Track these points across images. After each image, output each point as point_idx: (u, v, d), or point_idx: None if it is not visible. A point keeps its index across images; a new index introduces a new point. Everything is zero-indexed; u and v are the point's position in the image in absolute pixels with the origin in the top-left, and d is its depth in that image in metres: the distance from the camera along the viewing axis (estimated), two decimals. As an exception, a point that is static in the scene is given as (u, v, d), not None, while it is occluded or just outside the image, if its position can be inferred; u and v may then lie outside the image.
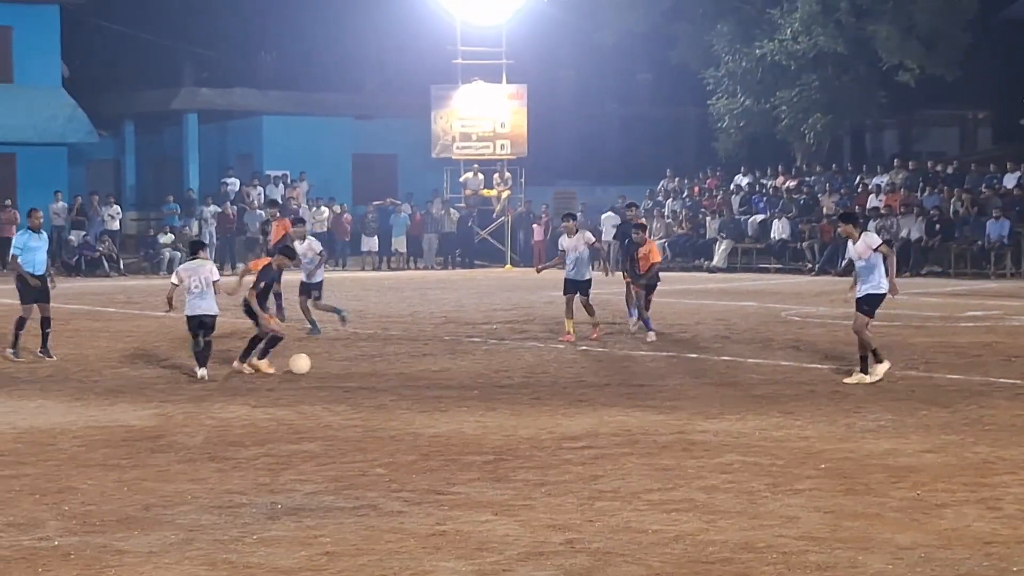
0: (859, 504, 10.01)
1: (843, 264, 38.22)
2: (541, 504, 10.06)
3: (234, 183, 45.63)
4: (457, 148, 46.31)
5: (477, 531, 9.26)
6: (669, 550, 8.77)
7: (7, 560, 8.61)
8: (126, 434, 13.20)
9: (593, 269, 22.01)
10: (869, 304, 16.37)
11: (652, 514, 9.75)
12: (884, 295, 16.41)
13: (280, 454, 12.13)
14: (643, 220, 25.83)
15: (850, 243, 16.93)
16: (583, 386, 16.38)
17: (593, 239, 21.78)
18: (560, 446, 12.45)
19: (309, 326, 22.14)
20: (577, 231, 21.44)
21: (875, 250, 16.69)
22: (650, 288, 22.04)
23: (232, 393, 15.94)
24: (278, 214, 25.42)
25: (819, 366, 17.96)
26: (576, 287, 21.12)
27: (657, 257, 22.50)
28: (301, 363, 17.17)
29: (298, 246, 21.47)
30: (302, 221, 24.56)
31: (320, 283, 22.57)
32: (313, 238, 23.67)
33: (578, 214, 44.67)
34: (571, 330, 21.01)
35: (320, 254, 22.61)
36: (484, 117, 46.15)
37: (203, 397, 15.60)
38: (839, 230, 16.84)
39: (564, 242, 21.58)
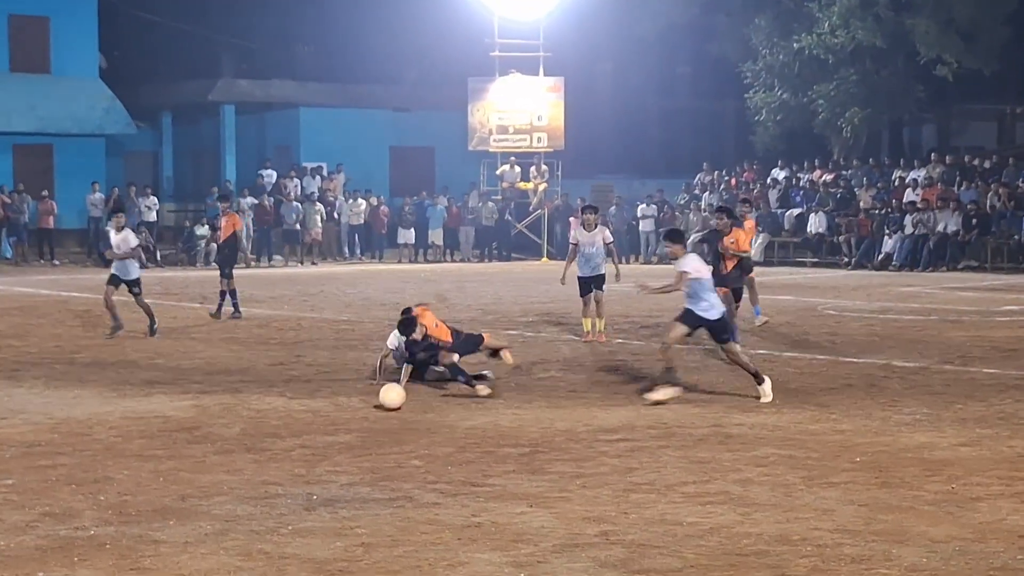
0: (894, 497, 10.00)
1: (879, 258, 38.17)
2: (577, 496, 10.09)
3: (271, 175, 45.76)
4: (494, 141, 46.33)
5: (512, 523, 9.29)
6: (704, 542, 8.78)
7: (43, 549, 8.68)
8: (162, 424, 13.29)
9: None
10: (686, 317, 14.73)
11: (687, 506, 9.76)
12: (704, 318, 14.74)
13: (316, 445, 12.18)
14: (728, 207, 22.60)
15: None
16: (619, 379, 16.38)
17: (611, 238, 21.04)
18: (596, 438, 12.47)
19: (112, 323, 21.02)
20: (597, 225, 20.70)
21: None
22: (736, 293, 19.25)
23: (268, 385, 16.01)
24: (228, 208, 25.14)
25: (855, 360, 17.90)
26: (592, 284, 20.39)
27: (743, 247, 19.47)
28: (392, 396, 14.35)
29: (113, 236, 21.18)
30: (122, 211, 23.16)
31: (138, 279, 21.14)
32: (131, 231, 21.98)
33: (613, 207, 45.07)
34: (589, 329, 20.32)
35: (136, 248, 21.31)
36: (521, 110, 46.16)
37: (239, 388, 15.67)
38: (667, 251, 15.26)
39: (580, 235, 20.62)
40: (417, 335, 15.03)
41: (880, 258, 38.43)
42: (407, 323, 15.11)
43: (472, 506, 9.77)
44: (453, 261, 44.30)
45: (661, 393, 14.39)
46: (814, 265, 39.66)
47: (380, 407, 13.94)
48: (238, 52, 52.44)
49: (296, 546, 8.72)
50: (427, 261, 44.09)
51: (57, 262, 40.25)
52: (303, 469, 11.13)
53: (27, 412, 14.02)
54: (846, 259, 39.36)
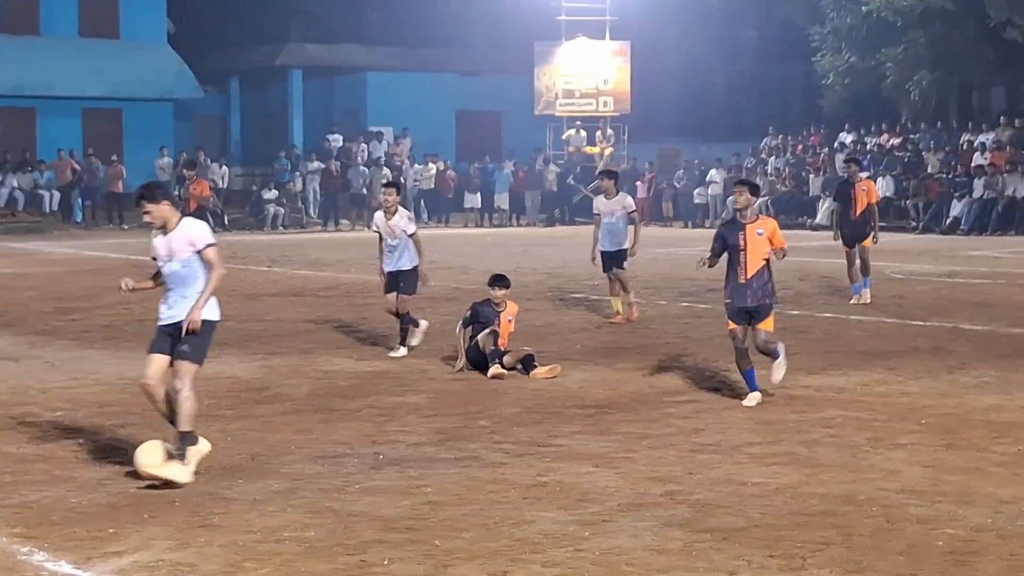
0: (960, 459, 9.99)
1: (947, 222, 37.86)
2: (642, 456, 10.13)
3: (337, 139, 45.94)
4: (560, 105, 46.29)
5: (578, 482, 9.35)
6: (769, 502, 8.80)
7: (115, 506, 8.83)
8: (232, 385, 13.44)
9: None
10: None
11: (753, 467, 9.79)
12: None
13: (384, 406, 12.29)
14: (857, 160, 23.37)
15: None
16: (686, 341, 16.40)
17: (634, 207, 18.75)
18: (662, 400, 12.51)
19: None
20: (618, 193, 18.59)
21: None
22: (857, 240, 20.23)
23: (336, 346, 16.14)
24: (195, 175, 24.97)
25: (923, 323, 17.83)
26: (612, 261, 18.38)
27: (874, 197, 20.68)
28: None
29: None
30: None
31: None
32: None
33: (681, 171, 44.96)
34: (619, 309, 18.43)
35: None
36: (587, 74, 46.10)
37: (308, 350, 15.82)
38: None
39: (600, 204, 18.63)
40: (499, 300, 14.67)
41: (948, 222, 38.11)
42: (500, 277, 14.82)
43: (538, 466, 9.83)
44: (519, 225, 44.32)
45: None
46: (882, 229, 39.27)
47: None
48: (306, 16, 52.58)
49: (364, 504, 8.82)
50: (493, 226, 44.15)
51: (126, 226, 40.61)
52: (371, 429, 11.25)
53: (99, 373, 14.22)
54: (914, 223, 39.05)
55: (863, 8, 43.66)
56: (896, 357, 14.99)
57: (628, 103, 45.99)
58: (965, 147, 40.89)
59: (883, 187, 40.48)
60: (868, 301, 19.92)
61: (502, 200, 44.74)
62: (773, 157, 45.52)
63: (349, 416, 11.83)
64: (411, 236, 15.59)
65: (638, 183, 45.37)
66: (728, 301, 12.45)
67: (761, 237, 12.30)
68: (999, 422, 11.32)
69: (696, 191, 44.51)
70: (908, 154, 41.86)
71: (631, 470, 9.69)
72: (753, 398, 12.16)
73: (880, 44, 44.18)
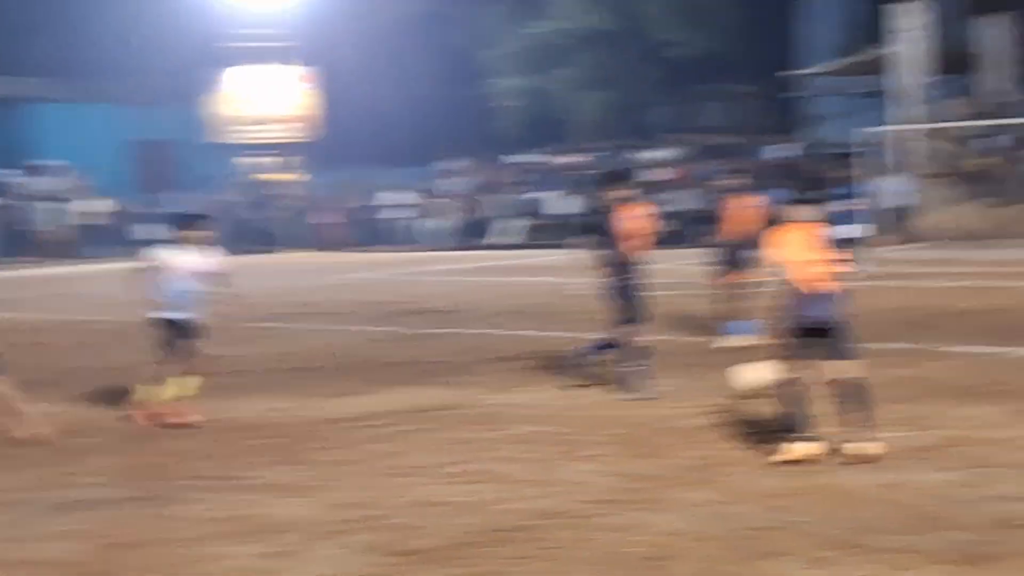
0: (651, 466, 10.17)
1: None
2: (340, 483, 9.99)
3: (10, 173, 44.32)
4: (243, 132, 45.77)
5: (275, 513, 9.15)
6: (468, 520, 8.78)
7: None
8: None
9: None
10: None
11: (451, 486, 9.76)
12: None
13: (68, 449, 11.81)
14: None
15: None
16: (375, 366, 16.30)
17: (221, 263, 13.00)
18: (356, 425, 12.38)
19: None
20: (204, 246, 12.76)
21: None
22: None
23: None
24: None
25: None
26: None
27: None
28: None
29: None
30: None
31: None
32: None
33: (365, 196, 44.96)
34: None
35: None
36: (272, 100, 45.71)
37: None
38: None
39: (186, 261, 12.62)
40: None
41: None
42: None
43: (231, 499, 9.58)
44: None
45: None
46: (554, 247, 40.01)
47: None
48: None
49: (46, 551, 8.43)
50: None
51: None
52: (50, 473, 10.77)
53: None
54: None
55: (532, 32, 44.52)
56: (584, 369, 15.18)
57: (317, 129, 45.78)
58: (636, 165, 42.03)
59: (559, 205, 41.30)
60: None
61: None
62: (453, 179, 45.98)
63: (26, 460, 11.32)
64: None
65: (326, 210, 45.34)
66: None
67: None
68: (686, 428, 11.57)
69: (383, 215, 44.66)
70: (583, 172, 42.81)
71: (326, 497, 9.54)
72: None
73: (550, 66, 45.15)
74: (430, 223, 43.37)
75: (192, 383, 12.57)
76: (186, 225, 12.64)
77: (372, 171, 49.32)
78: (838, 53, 42.64)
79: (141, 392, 12.83)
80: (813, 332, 9.94)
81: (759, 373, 10.82)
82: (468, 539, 8.33)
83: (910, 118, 35.04)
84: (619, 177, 14.27)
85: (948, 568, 7.38)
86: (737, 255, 17.33)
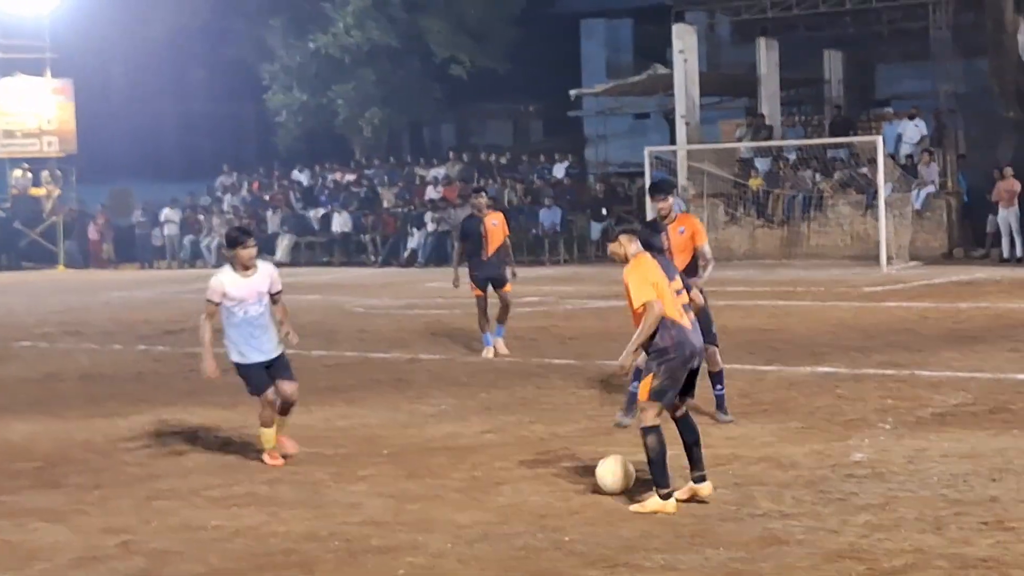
0: (421, 487, 10.07)
1: (405, 256, 38.74)
2: (95, 508, 9.67)
3: None
4: (4, 145, 44.43)
5: (27, 539, 8.82)
6: (230, 545, 8.58)
7: None
8: None
9: None
10: None
11: (213, 510, 9.53)
12: None
13: None
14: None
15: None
16: (142, 386, 15.92)
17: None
18: (116, 447, 12.04)
19: None
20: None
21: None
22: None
23: None
24: None
25: (383, 355, 18.03)
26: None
27: (505, 232, 18.02)
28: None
29: None
30: None
31: None
32: None
33: (139, 211, 44.06)
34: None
35: None
36: (27, 112, 44.41)
37: None
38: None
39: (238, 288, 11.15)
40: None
41: (406, 255, 39.00)
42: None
43: (-18, 526, 9.21)
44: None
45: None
46: (342, 264, 39.87)
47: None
48: None
49: None
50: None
51: None
52: None
53: None
54: (373, 257, 39.77)
55: (311, 46, 44.18)
56: (358, 390, 15.07)
57: (74, 143, 44.65)
58: (418, 182, 42.06)
59: (340, 223, 41.06)
60: (504, 352, 17.46)
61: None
62: (229, 195, 45.35)
63: None
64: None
65: (91, 225, 44.29)
66: None
67: (683, 235, 12.38)
68: (457, 448, 11.51)
69: (153, 232, 43.86)
70: (364, 189, 42.64)
71: (83, 523, 9.22)
72: None
73: (330, 82, 44.86)
74: (203, 239, 42.70)
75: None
76: None
77: (144, 186, 48.31)
78: (619, 73, 43.24)
79: None
80: (692, 368, 9.29)
81: (619, 470, 9.56)
82: (230, 564, 8.13)
83: (689, 138, 35.65)
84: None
85: (710, 586, 7.43)
86: (487, 271, 17.70)
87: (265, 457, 11.14)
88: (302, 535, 8.77)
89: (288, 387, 11.22)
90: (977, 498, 9.05)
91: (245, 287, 11.02)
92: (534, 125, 55.79)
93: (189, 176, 48.98)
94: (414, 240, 39.02)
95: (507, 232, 18.06)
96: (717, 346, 12.39)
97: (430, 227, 38.64)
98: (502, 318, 17.76)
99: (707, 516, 8.88)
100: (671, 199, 12.59)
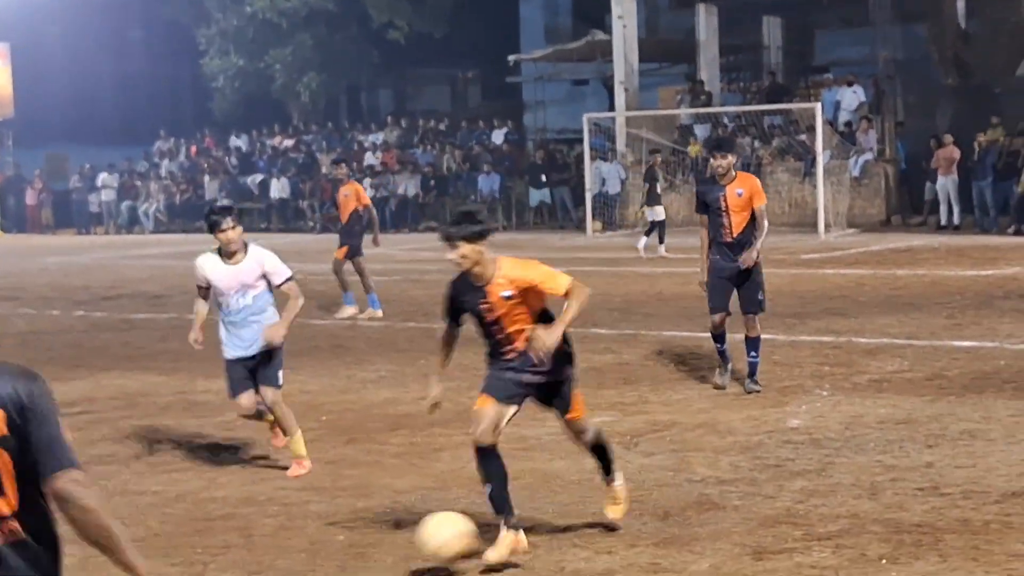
0: (360, 453, 10.10)
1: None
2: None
3: None
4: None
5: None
6: (170, 510, 8.60)
7: None
8: None
9: None
10: None
11: (152, 476, 9.54)
12: None
13: None
14: None
15: None
16: (80, 351, 15.84)
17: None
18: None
19: None
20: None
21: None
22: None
23: None
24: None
25: (321, 321, 18.01)
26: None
27: (363, 200, 18.77)
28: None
29: None
30: None
31: None
32: None
33: (76, 176, 43.69)
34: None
35: None
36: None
37: None
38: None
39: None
40: None
41: (343, 220, 38.87)
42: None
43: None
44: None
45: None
46: (280, 231, 39.71)
47: None
48: None
49: None
50: None
51: None
52: None
53: None
54: (312, 223, 39.64)
55: (248, 9, 43.87)
56: (296, 357, 14.98)
57: (11, 107, 44.20)
58: (356, 147, 41.92)
59: (279, 188, 40.90)
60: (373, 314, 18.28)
61: None
62: (167, 160, 45.05)
63: None
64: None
65: (28, 189, 43.90)
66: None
67: (741, 197, 11.85)
68: (395, 415, 11.54)
69: (90, 197, 43.54)
70: (302, 155, 42.45)
71: (21, 489, 9.18)
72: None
73: (267, 46, 44.57)
74: (141, 204, 42.44)
75: None
76: None
77: (81, 150, 47.89)
78: (558, 39, 43.20)
79: None
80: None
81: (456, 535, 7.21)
82: (169, 529, 8.14)
83: (628, 105, 35.68)
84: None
85: (645, 550, 7.48)
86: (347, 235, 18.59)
87: (292, 466, 9.57)
88: (240, 499, 8.79)
89: (266, 393, 9.63)
90: (912, 464, 9.16)
91: (227, 276, 9.57)
92: (472, 90, 55.70)
93: (126, 140, 48.57)
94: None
95: (364, 202, 18.73)
96: (759, 313, 12.19)
97: (369, 192, 38.50)
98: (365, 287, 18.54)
99: (644, 482, 8.94)
100: (731, 157, 12.13)
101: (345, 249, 18.58)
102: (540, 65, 42.54)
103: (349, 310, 18.61)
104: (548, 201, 37.53)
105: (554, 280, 7.49)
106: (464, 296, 7.69)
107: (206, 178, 42.70)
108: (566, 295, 7.42)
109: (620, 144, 35.46)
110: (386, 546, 7.68)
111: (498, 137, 40.52)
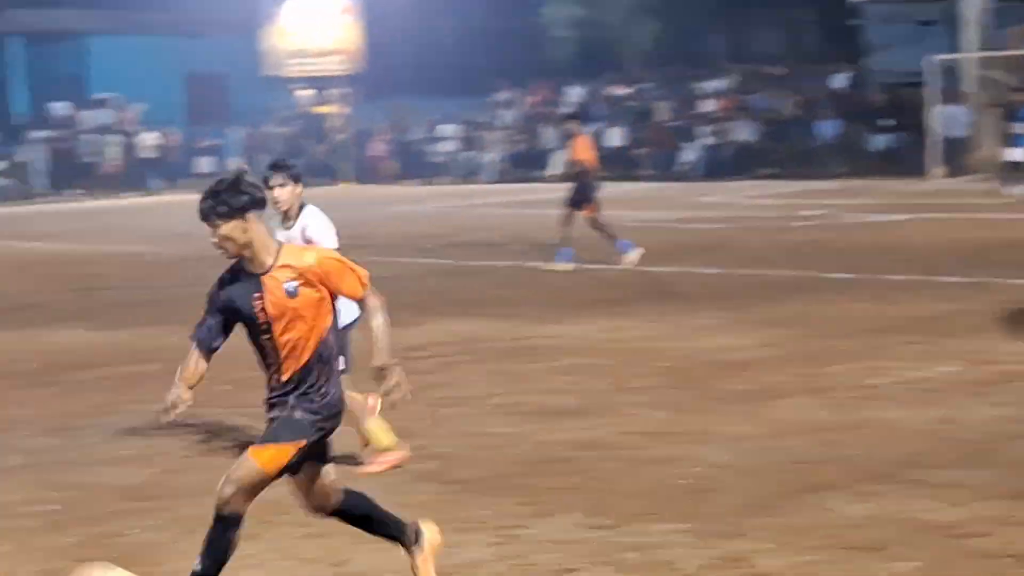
0: (696, 399, 10.17)
1: (678, 169, 38.58)
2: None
3: (64, 107, 44.51)
4: (289, 65, 45.69)
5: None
6: (513, 451, 8.83)
7: None
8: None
9: None
10: None
11: (496, 417, 9.81)
12: None
13: (119, 376, 11.94)
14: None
15: None
16: (423, 298, 16.34)
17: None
18: (405, 356, 12.37)
19: None
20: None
21: None
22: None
23: (65, 318, 15.64)
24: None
25: (653, 268, 18.11)
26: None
27: (581, 153, 19.31)
28: None
29: None
30: None
31: None
32: None
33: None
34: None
35: None
36: (317, 32, 45.56)
37: (36, 322, 15.30)
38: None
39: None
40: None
41: (679, 169, 38.89)
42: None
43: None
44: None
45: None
46: (617, 179, 39.91)
47: None
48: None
49: (103, 474, 8.57)
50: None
51: None
52: (107, 400, 10.91)
53: None
54: (646, 171, 39.74)
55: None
56: (630, 304, 15.21)
57: (359, 61, 45.65)
58: (692, 95, 41.78)
59: (614, 137, 41.12)
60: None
61: (234, 164, 44.04)
62: (505, 110, 45.81)
63: (82, 387, 11.47)
64: None
65: (374, 141, 45.36)
66: None
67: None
68: (731, 361, 11.56)
69: (432, 147, 44.67)
70: (637, 103, 42.54)
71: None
72: None
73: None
74: (482, 155, 43.31)
75: None
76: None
77: (422, 102, 49.12)
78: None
79: None
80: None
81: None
82: (512, 470, 8.37)
83: (971, 46, 34.53)
84: None
85: (996, 503, 7.30)
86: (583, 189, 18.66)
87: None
88: (582, 443, 8.95)
89: None
90: None
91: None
92: (809, 35, 54.67)
93: (466, 91, 49.58)
94: (687, 154, 38.85)
95: (583, 154, 18.94)
96: None
97: (705, 140, 38.43)
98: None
99: (992, 433, 8.74)
100: None
101: (593, 205, 18.65)
102: (880, 6, 41.46)
103: (632, 255, 18.45)
104: (891, 146, 36.68)
105: (352, 276, 5.89)
106: (233, 293, 5.87)
107: (543, 128, 43.24)
108: (363, 300, 5.95)
109: (968, 86, 34.32)
110: (728, 491, 7.73)
111: (838, 81, 39.74)
